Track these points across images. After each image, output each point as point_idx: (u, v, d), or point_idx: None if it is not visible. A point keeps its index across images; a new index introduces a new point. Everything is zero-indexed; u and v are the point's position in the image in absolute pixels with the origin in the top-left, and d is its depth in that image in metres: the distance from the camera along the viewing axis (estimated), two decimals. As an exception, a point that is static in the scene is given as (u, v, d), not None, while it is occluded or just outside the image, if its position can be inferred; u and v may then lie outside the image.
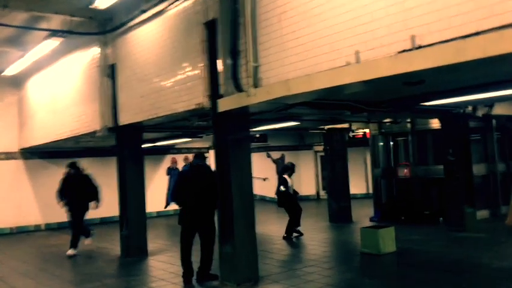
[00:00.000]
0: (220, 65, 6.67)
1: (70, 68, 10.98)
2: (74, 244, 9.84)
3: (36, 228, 14.14)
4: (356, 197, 18.01)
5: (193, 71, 7.18)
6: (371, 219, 12.40)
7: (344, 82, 4.90)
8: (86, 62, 10.25)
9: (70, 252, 9.72)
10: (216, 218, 6.95)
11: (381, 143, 12.93)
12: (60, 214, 14.44)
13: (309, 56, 5.39)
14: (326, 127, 12.44)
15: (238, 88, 6.32)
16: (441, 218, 11.12)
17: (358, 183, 18.49)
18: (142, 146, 13.54)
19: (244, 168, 6.95)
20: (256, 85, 6.07)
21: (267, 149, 19.13)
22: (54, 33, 9.34)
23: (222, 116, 6.80)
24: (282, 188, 10.47)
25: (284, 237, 10.33)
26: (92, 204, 9.96)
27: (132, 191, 9.28)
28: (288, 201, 10.56)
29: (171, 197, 7.07)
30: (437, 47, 4.17)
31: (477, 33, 3.91)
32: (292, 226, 10.41)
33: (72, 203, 9.85)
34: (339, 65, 5.01)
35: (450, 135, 10.26)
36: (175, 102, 7.57)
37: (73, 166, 10.24)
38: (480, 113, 10.77)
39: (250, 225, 6.87)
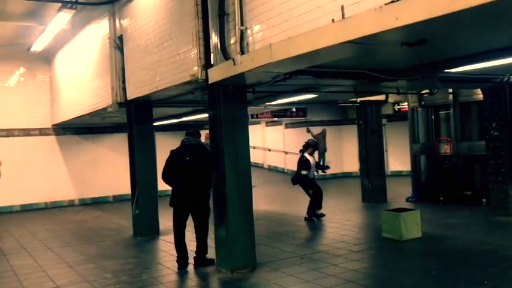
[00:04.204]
0: (210, 31, 6.02)
1: (88, 42, 10.70)
2: None
3: (70, 204, 14.31)
4: (401, 174, 16.99)
5: (189, 39, 6.56)
6: (407, 200, 11.45)
7: (326, 44, 4.12)
8: (100, 35, 9.91)
9: None
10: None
11: (421, 116, 11.81)
12: (93, 189, 14.71)
13: (292, 16, 4.64)
14: (358, 99, 11.47)
15: (226, 56, 5.66)
16: (484, 200, 10.01)
17: (403, 160, 17.33)
18: (168, 121, 13.32)
19: (241, 147, 6.31)
20: (243, 51, 5.40)
21: (307, 124, 18.34)
22: (64, 5, 9.05)
23: (216, 88, 6.19)
24: (303, 172, 9.66)
25: (306, 219, 9.64)
26: None
27: (141, 168, 8.90)
28: (304, 182, 9.78)
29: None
30: (428, -6, 3.32)
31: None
32: (314, 207, 9.68)
33: None
34: (323, 24, 4.23)
35: (493, 107, 9.07)
36: (174, 73, 7.01)
37: None
38: (532, 81, 9.40)
39: (246, 209, 6.26)
